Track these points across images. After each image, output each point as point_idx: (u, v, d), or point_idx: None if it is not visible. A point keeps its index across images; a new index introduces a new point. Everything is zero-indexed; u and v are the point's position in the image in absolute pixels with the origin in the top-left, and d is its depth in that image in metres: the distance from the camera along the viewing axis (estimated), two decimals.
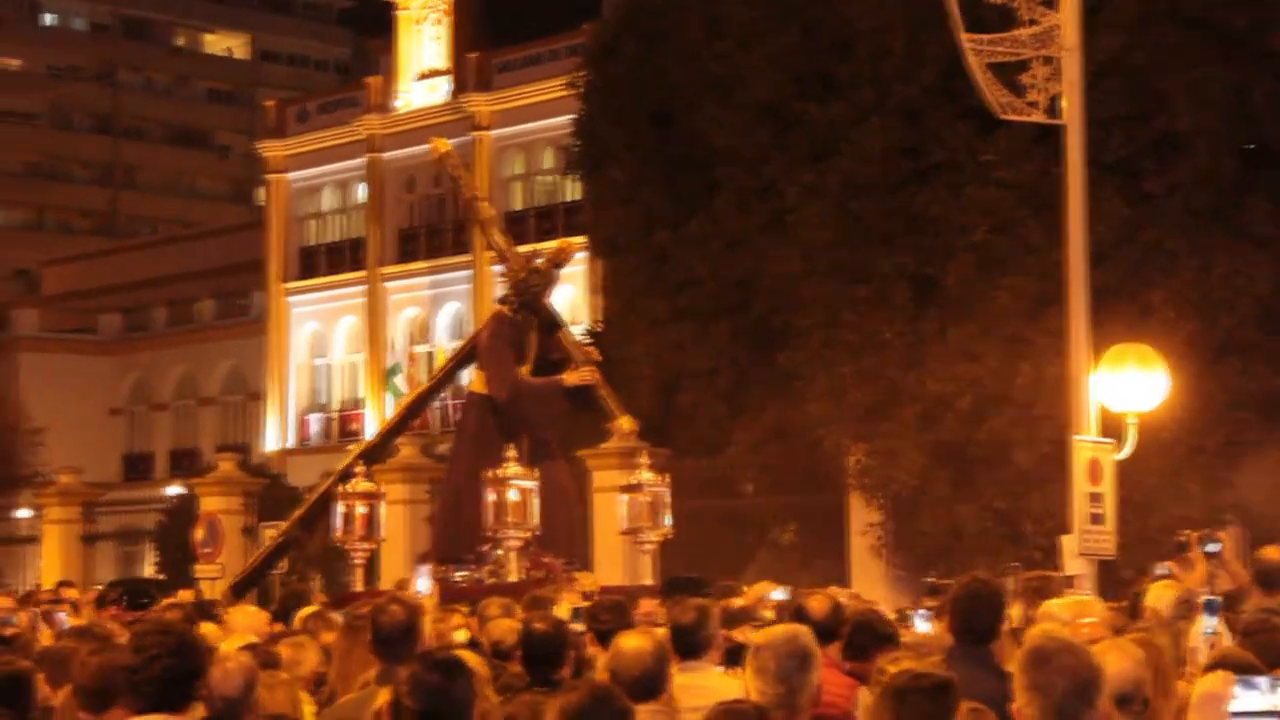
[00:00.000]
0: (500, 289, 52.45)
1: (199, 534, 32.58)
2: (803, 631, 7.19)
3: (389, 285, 57.25)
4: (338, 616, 11.93)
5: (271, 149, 60.46)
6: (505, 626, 10.63)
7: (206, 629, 13.12)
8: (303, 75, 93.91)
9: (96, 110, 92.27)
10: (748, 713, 6.09)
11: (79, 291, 69.52)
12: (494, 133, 54.14)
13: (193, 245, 69.23)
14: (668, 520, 20.67)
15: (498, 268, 52.35)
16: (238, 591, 21.90)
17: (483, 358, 20.92)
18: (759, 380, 28.91)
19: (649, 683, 7.45)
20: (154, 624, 7.66)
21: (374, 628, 8.80)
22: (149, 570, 43.06)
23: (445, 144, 23.89)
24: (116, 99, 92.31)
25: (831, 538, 29.43)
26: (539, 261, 21.16)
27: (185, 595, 23.44)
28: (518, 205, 53.75)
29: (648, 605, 14.83)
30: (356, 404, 58.23)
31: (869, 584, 25.93)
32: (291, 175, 60.05)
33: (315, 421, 59.31)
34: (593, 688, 6.22)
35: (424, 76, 56.26)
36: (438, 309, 56.45)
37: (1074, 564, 18.69)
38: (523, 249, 22.96)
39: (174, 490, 46.86)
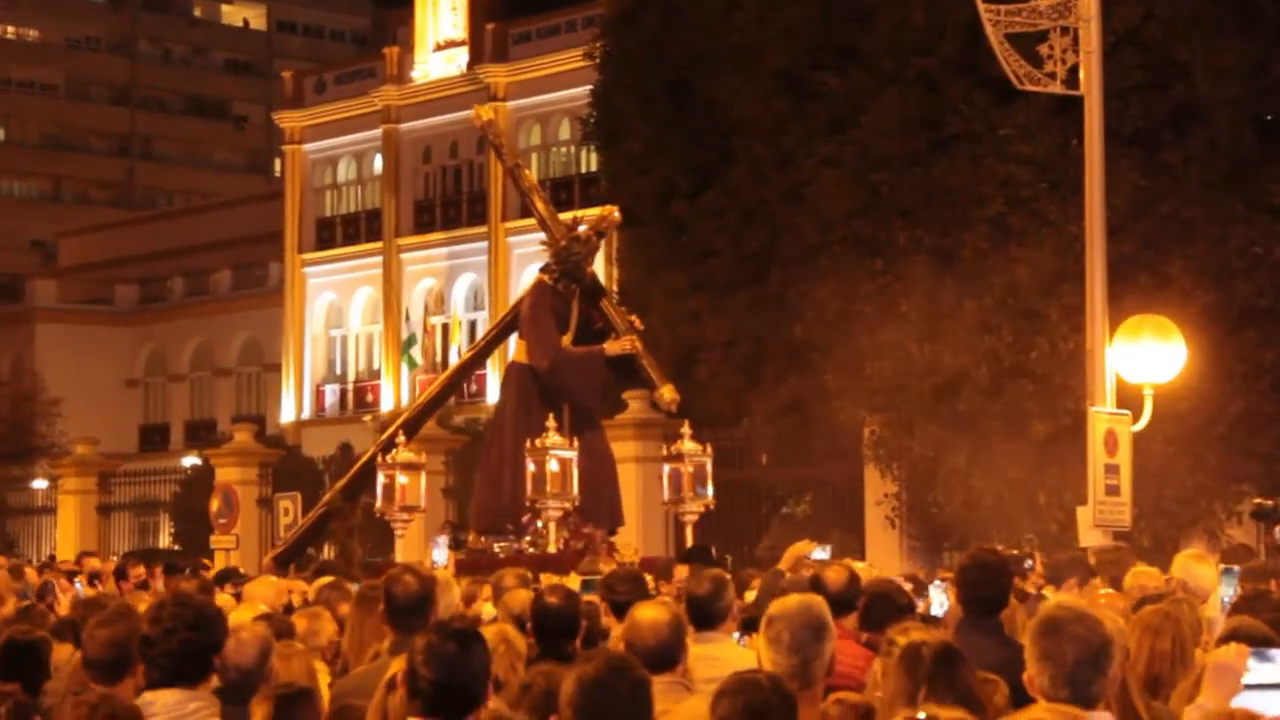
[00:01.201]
0: (518, 259, 52.59)
1: (215, 505, 32.63)
2: (817, 602, 7.17)
3: (405, 256, 57.27)
4: (354, 587, 11.91)
5: (288, 120, 60.48)
6: (523, 598, 10.61)
7: (222, 599, 13.12)
8: (320, 46, 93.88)
9: (113, 81, 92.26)
10: (762, 683, 6.06)
11: (96, 263, 69.62)
12: (511, 104, 54.10)
13: (209, 216, 69.32)
14: (710, 490, 20.46)
15: (514, 239, 52.50)
16: (281, 562, 21.77)
17: (524, 327, 20.65)
18: (775, 352, 28.88)
19: (665, 653, 7.44)
20: (172, 596, 7.65)
21: (388, 598, 8.78)
22: (165, 541, 43.13)
23: (488, 111, 23.70)
24: (134, 70, 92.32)
25: (847, 509, 29.42)
26: (581, 229, 20.80)
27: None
28: (534, 177, 53.65)
29: (682, 572, 14.77)
30: (373, 375, 58.26)
31: (884, 555, 25.93)
32: (308, 146, 60.06)
33: (331, 392, 59.36)
34: (610, 658, 6.20)
35: (441, 47, 56.21)
36: (454, 280, 56.45)
37: (1090, 535, 18.70)
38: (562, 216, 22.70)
39: (190, 461, 46.93)
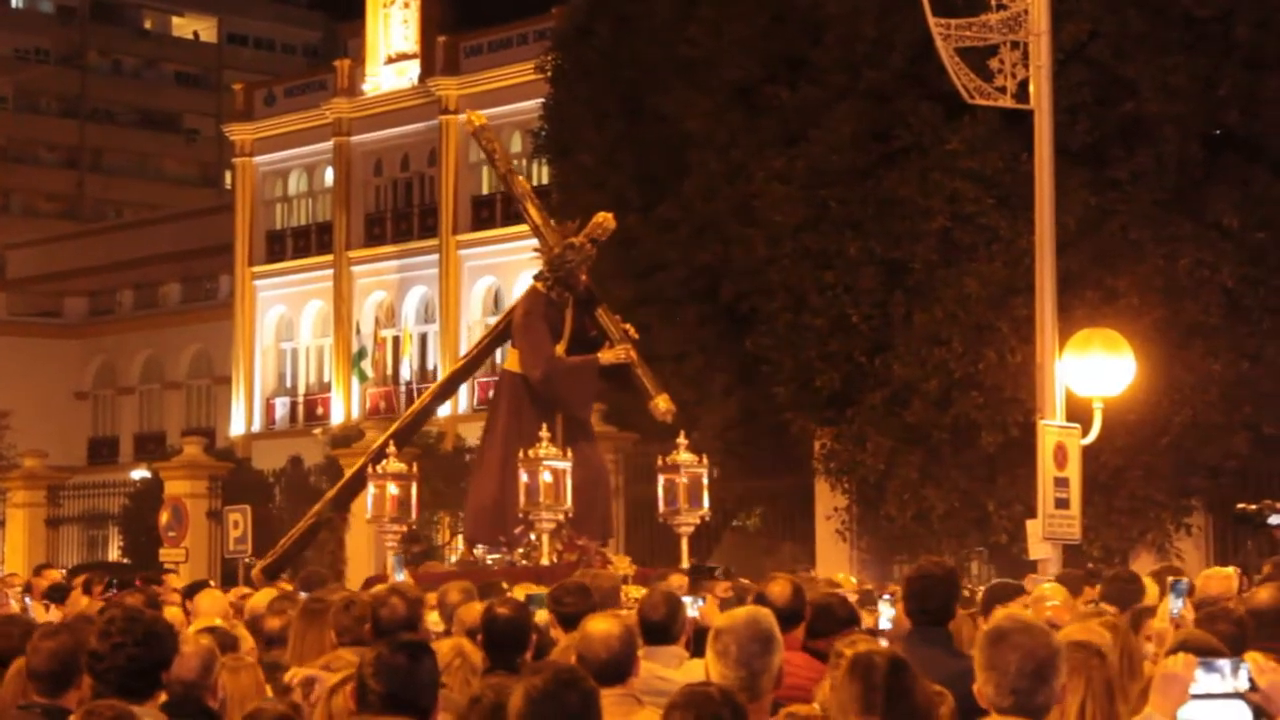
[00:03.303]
0: (469, 271, 52.51)
1: (164, 518, 32.51)
2: (764, 614, 7.16)
3: (356, 269, 57.13)
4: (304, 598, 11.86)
5: (239, 132, 60.29)
6: (476, 611, 10.57)
7: (172, 613, 13.06)
8: (271, 59, 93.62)
9: (63, 93, 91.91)
10: (713, 695, 6.07)
11: (45, 275, 69.28)
12: (462, 117, 54.00)
13: (159, 229, 69.02)
14: (706, 502, 20.13)
15: (465, 252, 52.44)
16: (270, 574, 21.55)
17: (517, 335, 20.37)
18: (726, 364, 28.91)
19: (616, 666, 7.42)
20: (122, 611, 7.61)
21: (374, 619, 8.88)
22: (114, 554, 42.93)
23: (480, 117, 23.42)
24: (83, 82, 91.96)
25: (798, 522, 29.46)
26: (575, 237, 20.59)
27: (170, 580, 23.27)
28: (485, 190, 53.63)
29: (678, 582, 14.66)
30: (323, 388, 58.11)
31: (835, 568, 25.91)
32: (259, 159, 59.89)
33: (281, 405, 59.17)
34: (558, 670, 6.20)
35: (392, 60, 56.12)
36: (405, 293, 56.34)
37: (1039, 548, 18.74)
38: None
39: (139, 474, 46.71)
